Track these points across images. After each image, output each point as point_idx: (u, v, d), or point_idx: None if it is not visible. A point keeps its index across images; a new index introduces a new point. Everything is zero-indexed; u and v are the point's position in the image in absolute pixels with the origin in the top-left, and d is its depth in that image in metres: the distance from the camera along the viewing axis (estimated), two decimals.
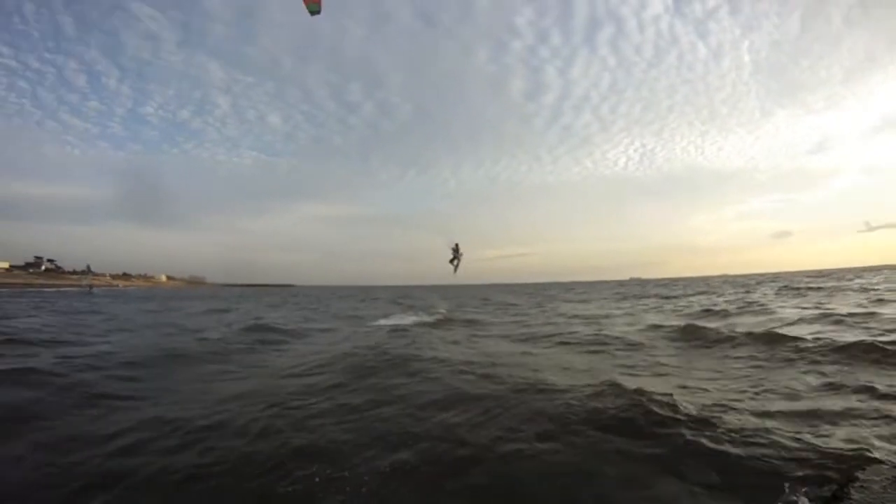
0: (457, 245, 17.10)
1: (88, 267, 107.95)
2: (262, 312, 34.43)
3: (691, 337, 15.56)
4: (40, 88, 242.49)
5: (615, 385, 8.45)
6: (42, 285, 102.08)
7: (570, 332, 18.24)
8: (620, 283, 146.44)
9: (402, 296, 70.73)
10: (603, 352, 13.95)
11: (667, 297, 42.69)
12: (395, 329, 20.85)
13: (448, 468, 5.71)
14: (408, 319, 26.06)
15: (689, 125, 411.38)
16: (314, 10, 10.97)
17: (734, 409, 7.52)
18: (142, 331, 21.07)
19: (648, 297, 46.37)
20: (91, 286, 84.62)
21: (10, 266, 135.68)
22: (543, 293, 75.24)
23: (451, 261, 17.16)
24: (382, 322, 24.98)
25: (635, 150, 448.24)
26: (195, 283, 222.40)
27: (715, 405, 7.67)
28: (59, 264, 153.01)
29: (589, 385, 8.74)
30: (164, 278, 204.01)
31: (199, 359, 13.59)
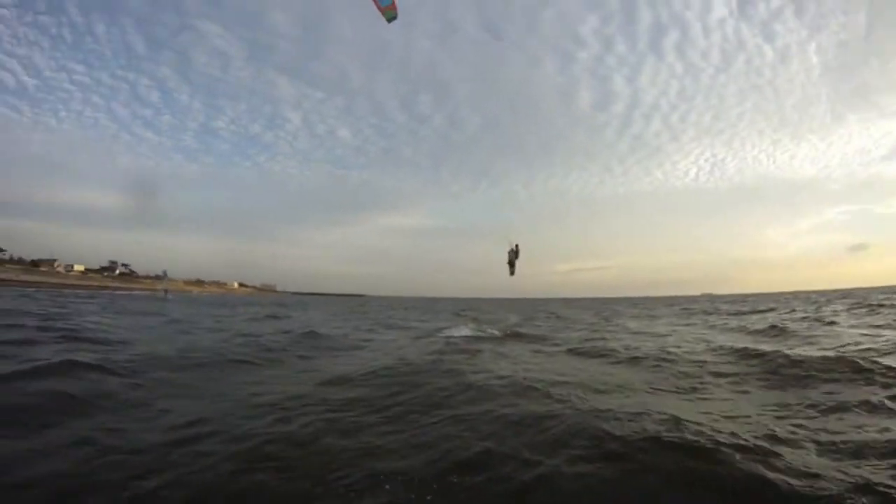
0: (516, 245, 16.21)
1: (165, 272, 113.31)
2: (325, 320, 34.81)
3: (753, 360, 13.97)
4: (114, 103, 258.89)
5: (670, 418, 7.47)
6: (116, 288, 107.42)
7: (633, 347, 17.34)
8: (692, 299, 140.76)
9: (470, 308, 70.25)
10: (660, 370, 13.02)
11: (735, 314, 40.39)
12: (456, 340, 20.55)
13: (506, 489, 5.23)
14: (470, 331, 25.50)
15: (759, 133, 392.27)
16: (391, 16, 10.73)
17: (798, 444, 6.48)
18: (201, 333, 21.58)
19: (716, 313, 43.79)
20: (166, 291, 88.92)
21: (86, 269, 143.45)
22: (612, 307, 73.61)
23: (509, 262, 16.24)
24: (446, 333, 24.46)
25: (706, 160, 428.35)
26: (266, 290, 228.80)
27: (772, 437, 6.67)
28: (133, 269, 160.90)
29: (645, 412, 7.83)
30: (236, 285, 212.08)
31: (251, 362, 13.59)
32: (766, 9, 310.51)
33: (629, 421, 7.25)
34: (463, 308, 68.58)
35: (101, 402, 8.29)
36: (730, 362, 13.87)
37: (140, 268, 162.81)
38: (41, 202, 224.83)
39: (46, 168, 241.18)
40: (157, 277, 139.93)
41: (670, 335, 23.15)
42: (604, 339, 21.30)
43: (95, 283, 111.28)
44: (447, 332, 24.88)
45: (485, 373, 11.90)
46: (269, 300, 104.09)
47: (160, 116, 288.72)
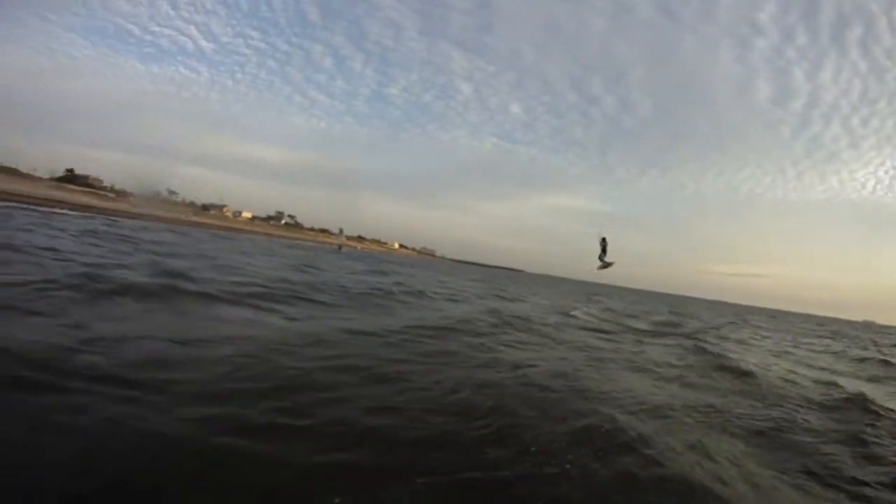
0: (604, 239, 15.96)
1: (341, 230, 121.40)
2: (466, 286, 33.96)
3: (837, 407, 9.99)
4: (289, 68, 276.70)
5: None
6: (280, 236, 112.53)
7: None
8: (849, 324, 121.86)
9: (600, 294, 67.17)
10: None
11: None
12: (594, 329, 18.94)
13: None
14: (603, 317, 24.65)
15: None
16: None
17: None
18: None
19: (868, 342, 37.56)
20: (341, 246, 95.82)
21: (253, 216, 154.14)
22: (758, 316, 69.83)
23: (600, 257, 15.95)
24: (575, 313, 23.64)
25: (885, 172, 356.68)
26: (425, 254, 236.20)
27: None
28: (299, 220, 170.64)
29: None
30: (396, 245, 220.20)
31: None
32: None
33: None
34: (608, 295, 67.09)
35: None
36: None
37: (304, 220, 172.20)
38: (214, 153, 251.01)
39: (221, 123, 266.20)
40: (322, 231, 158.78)
41: (782, 355, 19.73)
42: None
43: (260, 230, 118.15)
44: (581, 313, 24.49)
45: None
46: (426, 263, 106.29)
47: (333, 81, 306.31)
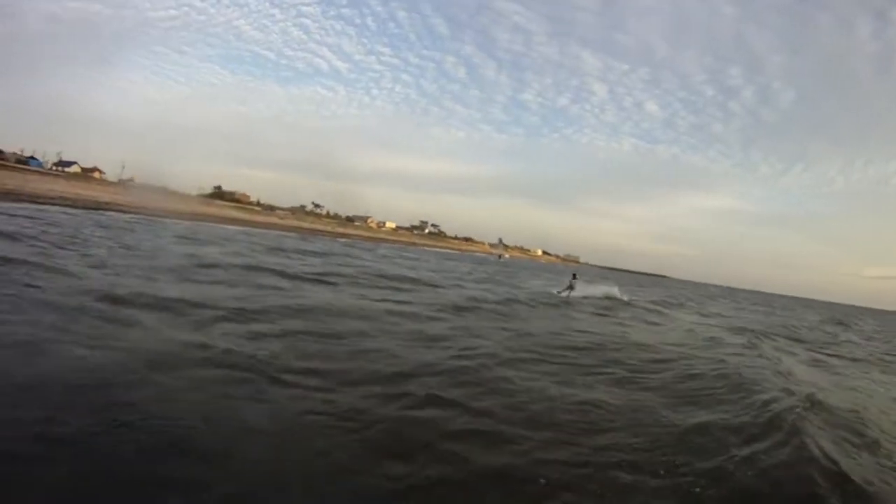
0: (574, 275, 24.89)
1: (500, 240, 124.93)
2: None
3: None
4: (423, 80, 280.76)
5: None
6: (424, 245, 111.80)
7: None
8: None
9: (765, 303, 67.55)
10: None
11: None
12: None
13: None
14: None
15: None
16: None
17: None
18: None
19: None
20: (501, 255, 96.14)
21: (396, 226, 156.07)
22: None
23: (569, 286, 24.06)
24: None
25: None
26: (569, 261, 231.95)
27: None
28: (442, 229, 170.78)
29: None
30: (539, 252, 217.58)
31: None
32: None
33: None
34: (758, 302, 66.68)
35: None
36: None
37: (447, 229, 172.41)
38: (356, 166, 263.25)
39: (361, 137, 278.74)
40: (466, 239, 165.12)
41: None
42: None
43: (405, 239, 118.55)
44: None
45: None
46: (563, 269, 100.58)
47: (468, 90, 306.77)
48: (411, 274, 26.28)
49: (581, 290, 24.93)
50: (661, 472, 5.08)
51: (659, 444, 5.79)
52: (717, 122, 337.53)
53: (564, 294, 23.35)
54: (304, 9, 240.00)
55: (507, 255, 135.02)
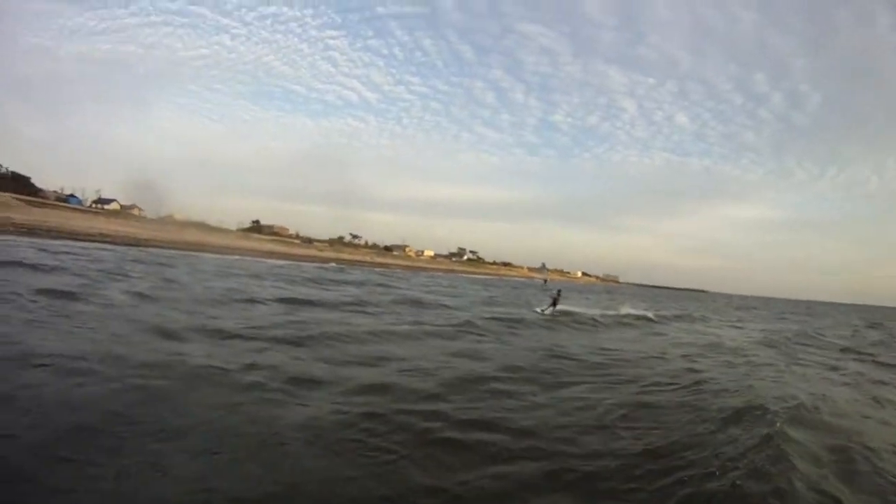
0: (559, 292, 24.51)
1: (543, 264, 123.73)
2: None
3: None
4: (453, 107, 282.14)
5: None
6: (462, 271, 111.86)
7: None
8: None
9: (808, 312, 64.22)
10: None
11: None
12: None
13: None
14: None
15: None
16: None
17: None
18: None
19: None
20: (546, 280, 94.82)
21: (435, 254, 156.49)
22: None
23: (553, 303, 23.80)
24: None
25: None
26: (609, 281, 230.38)
27: None
28: (480, 255, 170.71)
29: None
30: (579, 274, 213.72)
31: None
32: None
33: None
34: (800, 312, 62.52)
35: None
36: None
37: (485, 254, 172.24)
38: (390, 196, 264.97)
39: (394, 166, 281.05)
40: (505, 264, 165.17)
41: None
42: None
43: (443, 267, 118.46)
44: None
45: None
46: (605, 288, 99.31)
47: (498, 115, 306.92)
48: (447, 301, 26.37)
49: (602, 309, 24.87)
50: None
51: None
52: (747, 131, 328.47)
53: (548, 311, 22.98)
54: (332, 42, 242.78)
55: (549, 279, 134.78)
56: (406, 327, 14.51)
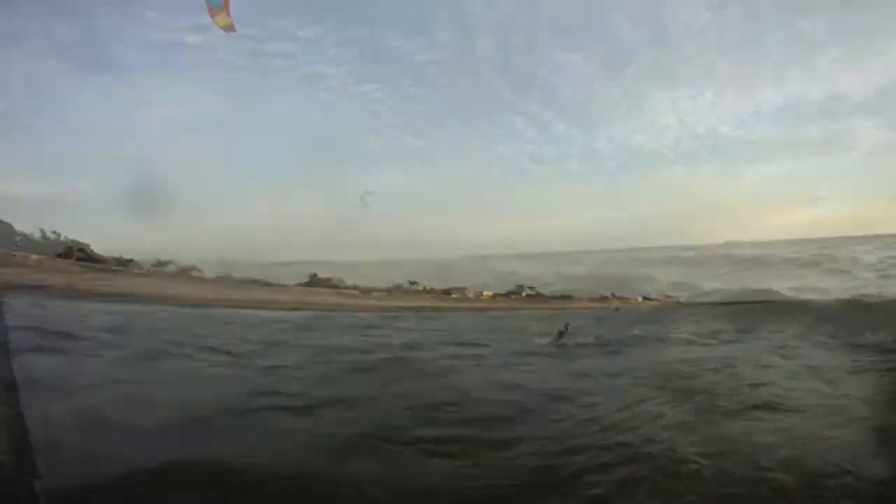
0: (567, 324, 19.76)
1: (613, 294, 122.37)
2: None
3: None
4: (498, 146, 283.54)
5: None
6: (522, 308, 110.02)
7: None
8: None
9: None
10: None
11: None
12: None
13: None
14: None
15: None
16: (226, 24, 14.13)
17: None
18: None
19: None
20: (618, 308, 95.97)
21: (494, 293, 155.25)
22: None
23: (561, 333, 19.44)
24: None
25: None
26: (668, 302, 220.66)
27: None
28: (540, 290, 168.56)
29: None
30: (640, 299, 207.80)
31: None
32: None
33: None
34: None
35: None
36: None
37: (544, 290, 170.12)
38: (444, 240, 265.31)
39: (447, 211, 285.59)
40: (563, 297, 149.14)
41: None
42: None
43: (503, 305, 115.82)
44: None
45: None
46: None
47: (542, 148, 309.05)
48: None
49: None
50: None
51: None
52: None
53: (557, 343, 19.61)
54: (373, 95, 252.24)
55: (618, 308, 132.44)
56: None
